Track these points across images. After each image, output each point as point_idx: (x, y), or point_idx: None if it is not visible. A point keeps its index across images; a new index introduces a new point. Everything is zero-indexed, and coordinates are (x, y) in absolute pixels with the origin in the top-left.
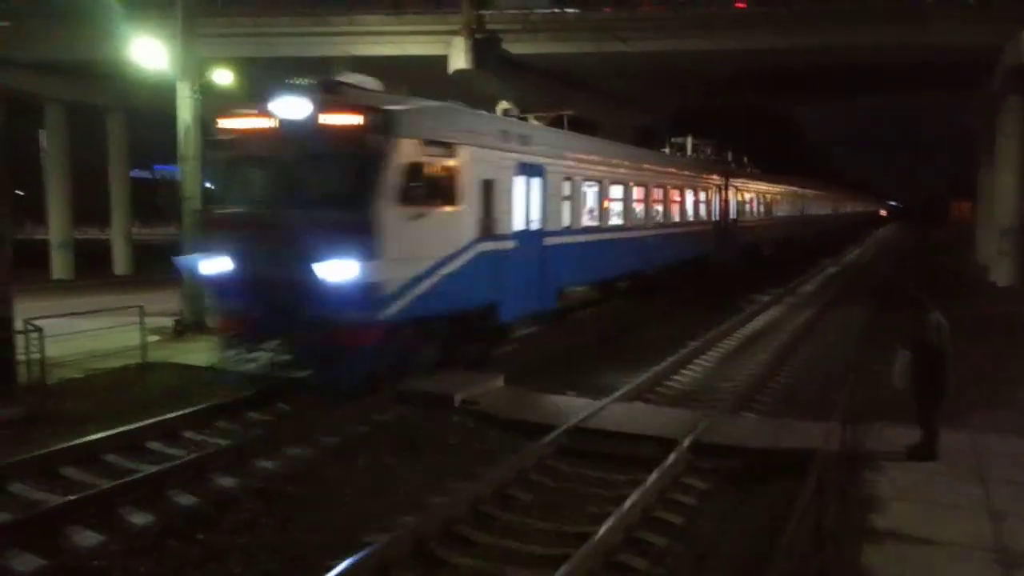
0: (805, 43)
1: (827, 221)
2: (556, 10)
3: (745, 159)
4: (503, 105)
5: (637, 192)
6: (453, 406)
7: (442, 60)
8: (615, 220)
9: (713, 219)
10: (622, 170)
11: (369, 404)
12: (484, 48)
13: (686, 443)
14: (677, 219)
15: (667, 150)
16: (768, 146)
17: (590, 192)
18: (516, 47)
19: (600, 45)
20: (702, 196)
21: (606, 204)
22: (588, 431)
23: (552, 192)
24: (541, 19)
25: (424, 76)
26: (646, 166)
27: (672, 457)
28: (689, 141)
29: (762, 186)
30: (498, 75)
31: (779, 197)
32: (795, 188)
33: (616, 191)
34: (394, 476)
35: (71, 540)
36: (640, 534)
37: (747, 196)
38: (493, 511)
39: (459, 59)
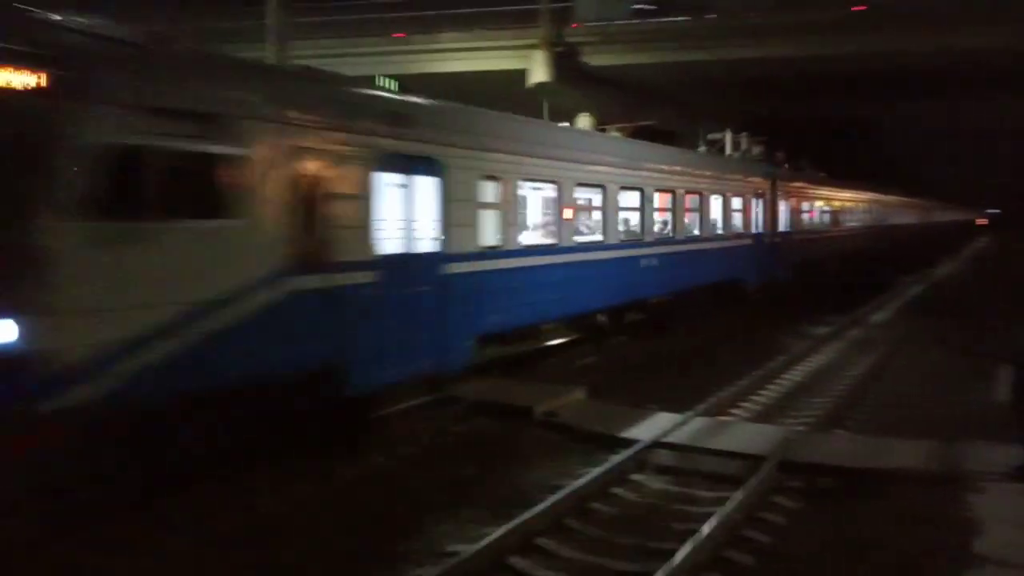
0: (902, 46)
1: (912, 232)
2: (635, 20)
3: (804, 161)
4: (583, 118)
5: (625, 198)
6: (532, 418)
7: (521, 74)
8: (587, 235)
9: (753, 231)
10: (598, 168)
11: (447, 415)
12: (563, 61)
13: (775, 460)
14: (697, 232)
15: (703, 148)
16: (851, 154)
17: (536, 198)
18: (595, 59)
19: (679, 54)
20: (734, 203)
21: (569, 214)
22: (672, 445)
23: (460, 198)
24: (619, 30)
25: (503, 91)
26: (641, 164)
27: (760, 474)
28: (728, 137)
29: (826, 192)
30: (577, 87)
31: (849, 205)
32: (870, 195)
33: (587, 197)
34: (474, 487)
35: None
36: (727, 553)
37: (804, 204)
38: (575, 524)
39: (538, 73)
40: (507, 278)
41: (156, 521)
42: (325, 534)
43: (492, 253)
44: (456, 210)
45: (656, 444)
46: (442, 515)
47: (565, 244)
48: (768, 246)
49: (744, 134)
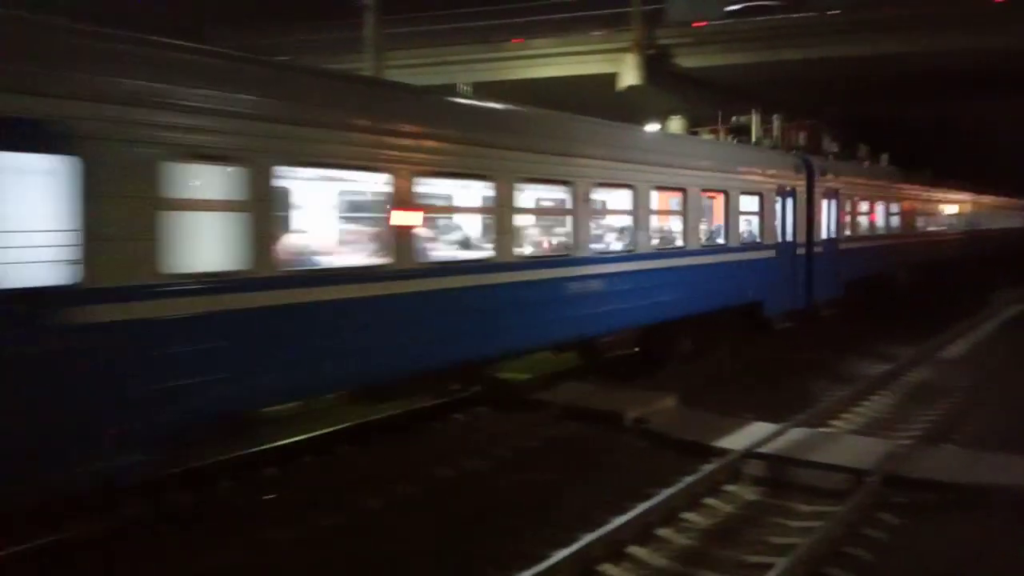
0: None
1: (1013, 237)
2: (731, 20)
3: (863, 151)
4: (674, 121)
5: (549, 199)
6: (623, 424)
7: (612, 78)
8: (452, 249)
9: (780, 240)
10: (480, 161)
11: (539, 420)
12: (654, 63)
13: (878, 474)
14: (680, 243)
15: (723, 136)
16: (955, 153)
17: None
18: (687, 61)
19: (775, 53)
20: (745, 204)
21: (399, 219)
22: (768, 456)
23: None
24: (712, 31)
25: (594, 95)
26: (578, 151)
27: (863, 488)
28: (755, 119)
29: (892, 189)
30: (668, 90)
31: (926, 206)
32: (957, 194)
33: (460, 193)
34: (564, 492)
35: None
36: (827, 570)
37: (862, 205)
38: (666, 534)
39: (629, 76)
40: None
41: (256, 515)
42: (420, 533)
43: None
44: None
45: (751, 454)
46: (532, 518)
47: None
48: (801, 258)
49: (776, 116)
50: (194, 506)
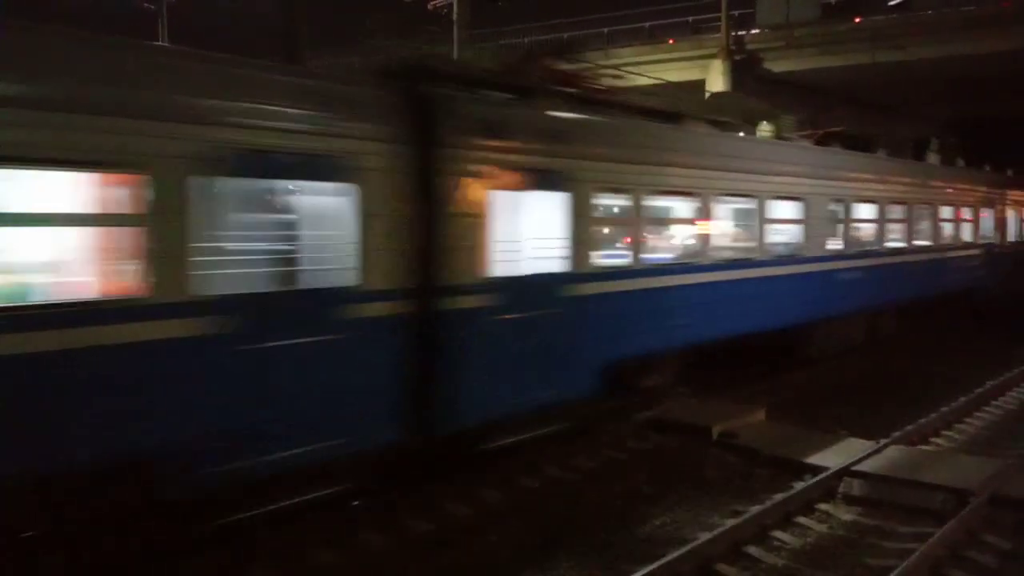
0: None
1: None
2: (823, 23)
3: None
4: (764, 127)
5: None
6: (711, 438)
7: (700, 84)
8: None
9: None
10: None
11: (624, 431)
12: (742, 69)
13: (985, 494)
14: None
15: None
16: None
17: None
18: (778, 65)
19: (874, 55)
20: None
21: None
22: (864, 474)
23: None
24: (807, 34)
25: (682, 102)
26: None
27: (968, 508)
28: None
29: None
30: (757, 95)
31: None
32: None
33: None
34: (650, 505)
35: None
36: None
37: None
38: (756, 552)
39: (716, 82)
40: None
41: (350, 520)
42: (506, 542)
43: None
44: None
45: (847, 472)
46: (617, 531)
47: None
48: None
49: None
50: (287, 510)
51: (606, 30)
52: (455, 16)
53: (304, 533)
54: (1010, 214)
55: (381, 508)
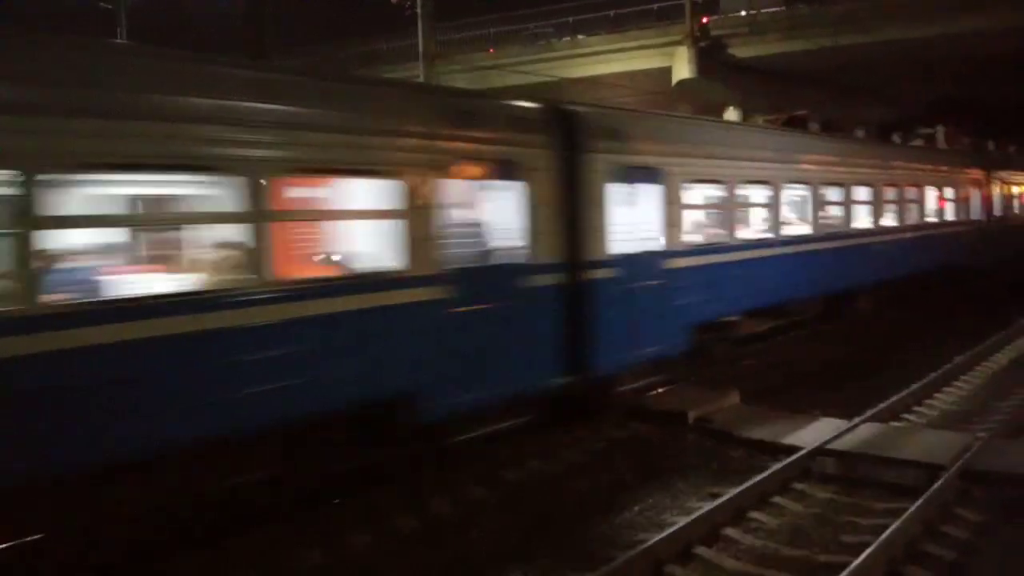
0: None
1: None
2: (785, 8)
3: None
4: (730, 112)
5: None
6: (687, 423)
7: (666, 72)
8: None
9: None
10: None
11: (604, 420)
12: (708, 55)
13: (955, 468)
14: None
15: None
16: None
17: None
18: (743, 51)
19: (837, 39)
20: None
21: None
22: (838, 453)
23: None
24: (770, 19)
25: (649, 89)
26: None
27: (940, 483)
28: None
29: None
30: (723, 81)
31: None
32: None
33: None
34: (630, 493)
35: None
36: (905, 569)
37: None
38: (735, 534)
39: (683, 69)
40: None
41: (334, 519)
42: (490, 535)
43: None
44: None
45: (820, 451)
46: (600, 520)
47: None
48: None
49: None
50: (268, 508)
51: (571, 19)
52: (419, 8)
53: (286, 533)
54: (995, 192)
55: (364, 506)
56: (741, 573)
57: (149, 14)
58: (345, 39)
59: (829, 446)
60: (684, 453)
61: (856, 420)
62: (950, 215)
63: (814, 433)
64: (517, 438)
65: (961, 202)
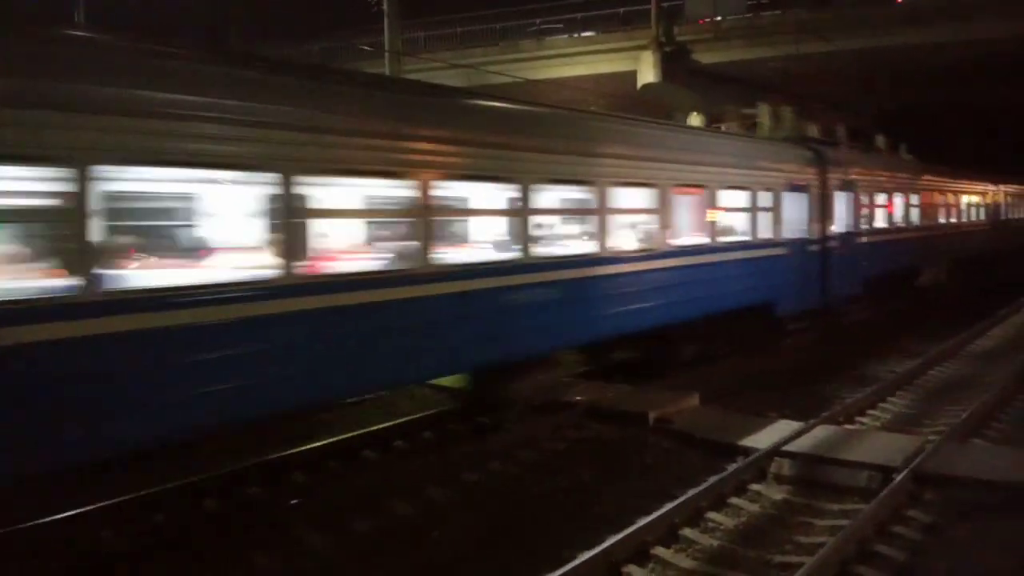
0: None
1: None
2: (750, 15)
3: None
4: (694, 117)
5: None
6: (647, 424)
7: (631, 76)
8: None
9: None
10: None
11: (564, 421)
12: (673, 60)
13: (907, 471)
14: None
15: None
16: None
17: None
18: (707, 56)
19: (800, 47)
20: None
21: None
22: (793, 455)
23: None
24: (733, 26)
25: (615, 93)
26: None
27: (892, 485)
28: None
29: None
30: (687, 86)
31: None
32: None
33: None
34: (590, 493)
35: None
36: (857, 569)
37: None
38: (692, 535)
39: (647, 73)
40: None
41: (287, 521)
42: (450, 537)
43: None
44: None
45: (776, 453)
46: (559, 521)
47: None
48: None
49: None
50: (223, 511)
51: (538, 21)
52: (385, 6)
53: (240, 535)
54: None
55: (320, 507)
56: (698, 573)
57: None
58: (310, 36)
59: (785, 448)
60: (643, 454)
61: (811, 422)
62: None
63: (771, 435)
64: (468, 441)
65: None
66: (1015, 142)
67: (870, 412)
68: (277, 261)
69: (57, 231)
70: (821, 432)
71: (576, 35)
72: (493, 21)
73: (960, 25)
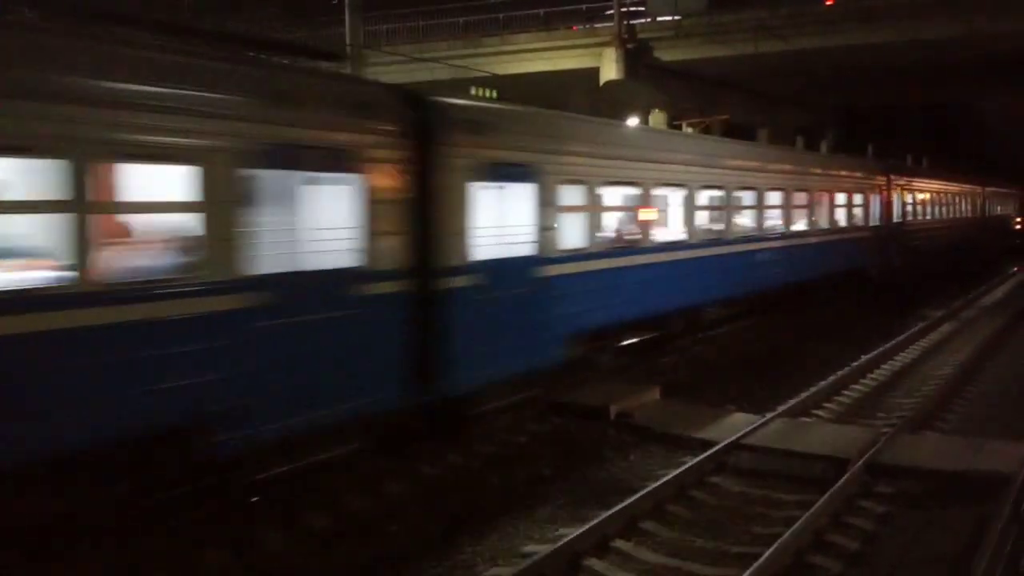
0: (986, 30)
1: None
2: (711, 14)
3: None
4: (656, 115)
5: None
6: (608, 418)
7: (594, 73)
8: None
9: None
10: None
11: (523, 415)
12: (635, 57)
13: (861, 462)
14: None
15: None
16: (947, 143)
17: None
18: (668, 54)
19: (758, 46)
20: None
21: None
22: (751, 447)
23: None
24: (694, 24)
25: (577, 89)
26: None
27: (846, 477)
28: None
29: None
30: (649, 84)
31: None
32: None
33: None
34: (550, 486)
35: None
36: (811, 558)
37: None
38: (651, 527)
39: (610, 70)
40: None
41: (248, 518)
42: (408, 531)
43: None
44: None
45: (734, 446)
46: (520, 515)
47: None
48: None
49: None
50: (177, 507)
51: (501, 16)
52: None
53: (192, 531)
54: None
55: (277, 505)
56: (658, 565)
57: None
58: (270, 24)
59: (743, 441)
60: (605, 448)
61: (768, 415)
62: None
63: (729, 428)
64: (432, 432)
65: None
66: (971, 141)
67: (825, 405)
68: None
69: None
70: (778, 425)
71: (540, 31)
72: (458, 15)
73: (909, 24)
